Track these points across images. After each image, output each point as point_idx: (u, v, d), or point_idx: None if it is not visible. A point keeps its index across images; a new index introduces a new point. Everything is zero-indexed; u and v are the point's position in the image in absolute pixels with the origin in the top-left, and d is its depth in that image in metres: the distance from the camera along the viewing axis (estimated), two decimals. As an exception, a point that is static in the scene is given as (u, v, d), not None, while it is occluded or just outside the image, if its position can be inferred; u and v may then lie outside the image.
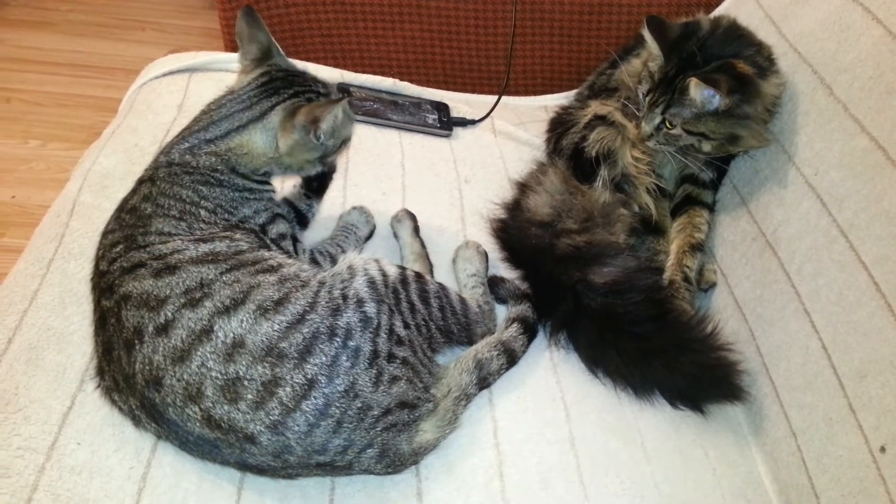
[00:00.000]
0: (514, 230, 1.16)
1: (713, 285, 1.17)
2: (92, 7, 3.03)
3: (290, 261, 0.90)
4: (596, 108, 1.27)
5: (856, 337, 0.88)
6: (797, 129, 1.07)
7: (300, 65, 1.39)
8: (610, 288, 1.04)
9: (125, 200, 0.93)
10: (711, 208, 1.22)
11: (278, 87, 0.98)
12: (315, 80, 1.02)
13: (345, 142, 1.04)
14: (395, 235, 1.17)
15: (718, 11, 1.45)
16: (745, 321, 1.07)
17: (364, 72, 1.52)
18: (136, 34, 2.93)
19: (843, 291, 0.91)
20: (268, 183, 0.99)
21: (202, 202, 0.90)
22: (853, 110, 0.98)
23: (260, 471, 0.80)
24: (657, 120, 1.13)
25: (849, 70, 1.01)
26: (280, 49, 1.04)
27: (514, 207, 1.20)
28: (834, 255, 0.93)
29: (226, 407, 0.75)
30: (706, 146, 1.12)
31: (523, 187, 1.24)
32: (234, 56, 1.42)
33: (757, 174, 1.13)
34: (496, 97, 1.51)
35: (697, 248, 1.17)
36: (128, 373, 0.78)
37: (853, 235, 0.92)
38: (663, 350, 1.01)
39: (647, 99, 1.14)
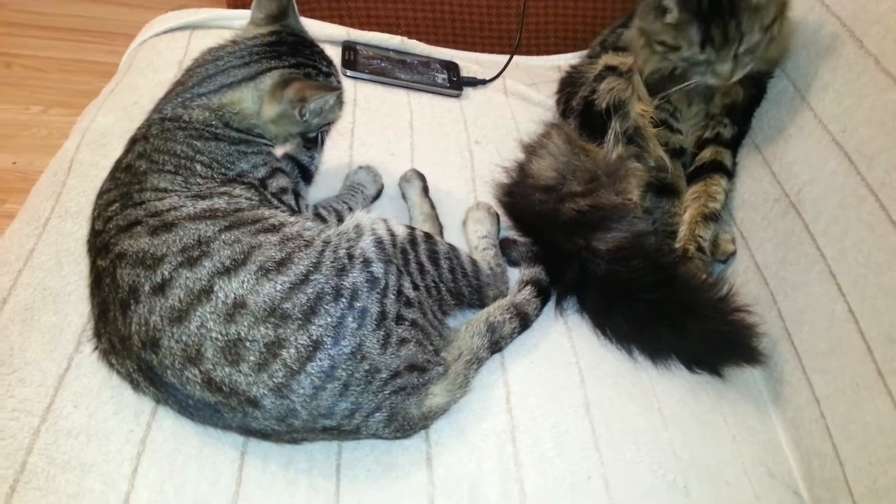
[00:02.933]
0: (518, 196, 1.12)
1: (732, 254, 1.13)
2: (95, -29, 2.97)
3: (292, 219, 0.86)
4: (607, 59, 1.22)
5: (885, 300, 0.84)
6: (824, 85, 1.02)
7: (305, 23, 1.35)
8: (614, 254, 1.00)
9: (119, 160, 0.89)
10: (731, 174, 1.16)
11: (283, 51, 0.93)
12: (322, 56, 0.98)
13: (330, 123, 1.01)
14: (404, 196, 1.13)
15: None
16: (766, 285, 1.03)
17: (371, 30, 1.47)
18: (140, -1, 2.87)
19: (871, 252, 0.87)
20: (265, 137, 0.95)
21: (197, 156, 0.87)
22: (885, 63, 0.93)
23: (264, 435, 0.77)
24: (734, 50, 1.04)
25: (881, 21, 0.96)
26: (297, 12, 0.99)
27: (519, 171, 1.16)
28: (863, 215, 0.89)
29: (227, 369, 0.72)
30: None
31: (528, 150, 1.19)
32: (237, 13, 1.38)
33: (781, 133, 1.08)
34: (508, 56, 1.46)
35: (711, 217, 1.12)
36: (124, 334, 0.75)
37: (883, 194, 0.87)
38: (671, 316, 0.97)
39: (709, 45, 1.04)
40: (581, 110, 1.21)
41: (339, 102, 1.00)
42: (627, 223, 1.04)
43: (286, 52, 0.94)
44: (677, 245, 1.11)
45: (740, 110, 1.17)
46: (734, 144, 1.18)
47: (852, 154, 0.94)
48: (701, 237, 1.10)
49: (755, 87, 1.16)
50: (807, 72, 1.07)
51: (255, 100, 0.92)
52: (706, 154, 1.17)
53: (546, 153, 1.15)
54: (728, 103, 1.17)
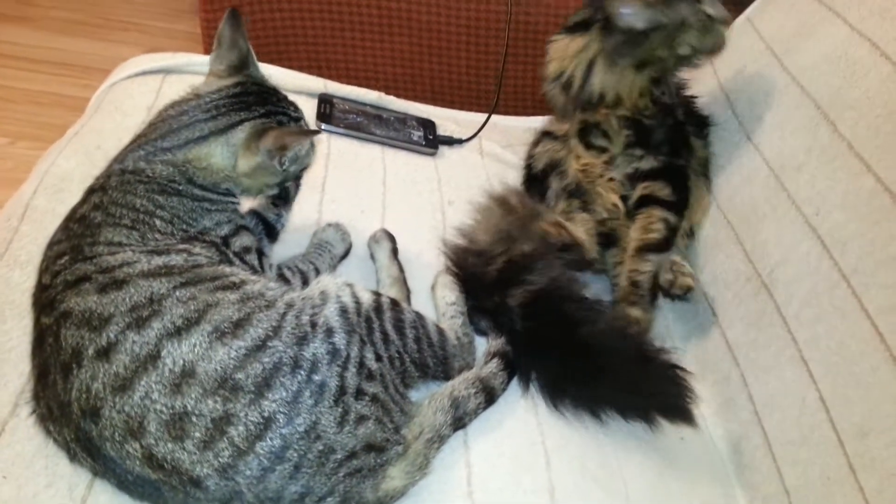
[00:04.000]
0: (458, 261, 1.09)
1: (689, 290, 1.10)
2: (76, 5, 2.96)
3: (254, 277, 0.83)
4: (545, 125, 1.28)
5: (857, 391, 0.82)
6: (799, 165, 1.02)
7: (283, 73, 1.34)
8: (524, 309, 0.98)
9: (74, 210, 0.85)
10: (673, 204, 1.14)
11: (250, 102, 0.91)
12: (288, 102, 0.96)
13: (305, 168, 0.99)
14: (372, 257, 1.10)
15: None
16: (737, 365, 1.02)
17: (349, 83, 1.46)
18: (118, 35, 2.86)
19: (844, 341, 0.86)
20: (231, 194, 0.93)
21: (158, 211, 0.83)
22: (858, 149, 0.93)
23: (206, 517, 0.72)
24: None
25: (855, 107, 0.97)
26: (256, 62, 0.98)
27: (463, 236, 1.13)
28: (835, 301, 0.88)
29: (170, 445, 0.67)
30: None
31: (473, 214, 1.18)
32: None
33: (754, 211, 1.08)
34: (485, 115, 1.45)
35: (648, 249, 1.10)
36: (63, 400, 0.70)
37: (856, 281, 0.87)
38: (581, 369, 0.96)
39: None
40: (524, 174, 1.29)
41: (313, 146, 0.98)
42: (539, 272, 1.01)
43: (253, 101, 0.92)
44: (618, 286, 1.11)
45: (656, 141, 1.17)
46: (669, 175, 1.16)
47: (825, 238, 0.93)
48: (636, 271, 1.09)
49: (668, 115, 1.18)
50: (781, 151, 1.07)
51: (226, 154, 0.89)
52: (637, 191, 1.16)
53: (483, 217, 1.14)
54: (625, 140, 1.17)
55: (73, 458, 0.73)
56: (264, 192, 0.97)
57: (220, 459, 0.67)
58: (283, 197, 1.05)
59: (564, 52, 1.19)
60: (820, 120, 1.01)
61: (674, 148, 1.17)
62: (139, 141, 0.89)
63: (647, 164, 1.16)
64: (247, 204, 0.99)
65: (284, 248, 1.05)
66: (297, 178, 1.01)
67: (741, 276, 1.06)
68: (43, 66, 2.61)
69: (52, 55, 2.67)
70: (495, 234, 1.09)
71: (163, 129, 0.89)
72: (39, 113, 2.40)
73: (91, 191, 0.86)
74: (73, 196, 0.97)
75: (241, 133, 0.89)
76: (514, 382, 0.96)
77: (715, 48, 1.14)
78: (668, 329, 1.16)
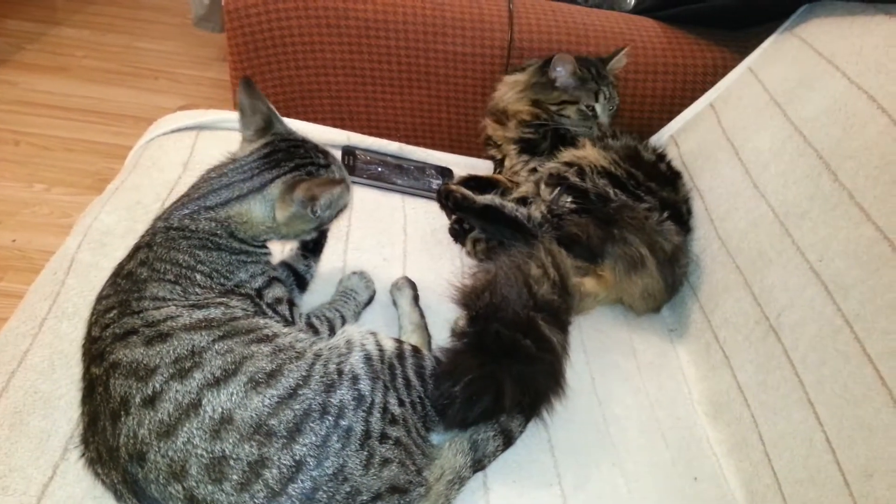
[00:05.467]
0: (466, 302, 1.08)
1: None
2: (107, 54, 3.08)
3: (285, 329, 0.89)
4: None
5: (861, 433, 0.85)
6: (802, 213, 1.06)
7: (308, 127, 1.41)
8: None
9: (121, 266, 0.92)
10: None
11: (280, 159, 0.98)
12: (316, 150, 1.03)
13: (341, 211, 1.04)
14: (395, 303, 1.15)
15: (717, 92, 1.47)
16: (747, 406, 1.05)
17: (370, 133, 1.53)
18: (148, 83, 2.97)
19: (847, 384, 0.89)
20: (265, 247, 0.99)
21: (198, 266, 0.90)
22: (859, 198, 0.97)
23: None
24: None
25: (854, 157, 1.01)
26: (279, 117, 1.04)
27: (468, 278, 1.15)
28: (839, 345, 0.92)
29: (210, 487, 0.72)
30: None
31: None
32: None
33: (761, 256, 1.12)
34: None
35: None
36: (112, 445, 0.76)
37: (858, 326, 0.90)
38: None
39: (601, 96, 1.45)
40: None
41: (346, 187, 1.02)
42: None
43: (282, 158, 0.98)
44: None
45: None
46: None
47: (828, 283, 0.97)
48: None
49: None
50: (785, 199, 1.11)
51: (265, 209, 0.96)
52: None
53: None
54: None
55: (119, 498, 0.78)
56: (301, 237, 1.04)
57: (256, 500, 0.72)
58: (319, 242, 1.12)
59: (509, 80, 1.50)
60: (822, 169, 1.06)
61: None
62: (183, 200, 0.96)
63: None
64: (278, 253, 1.05)
65: (311, 296, 1.11)
66: (334, 220, 1.05)
67: (750, 320, 1.10)
68: (76, 113, 2.72)
69: (85, 103, 2.78)
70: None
71: (205, 189, 0.96)
72: (73, 160, 2.49)
73: (137, 248, 0.93)
74: (116, 250, 1.04)
75: (274, 189, 0.95)
76: (531, 425, 1.00)
77: (584, 133, 1.44)
78: (680, 370, 1.19)
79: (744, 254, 1.17)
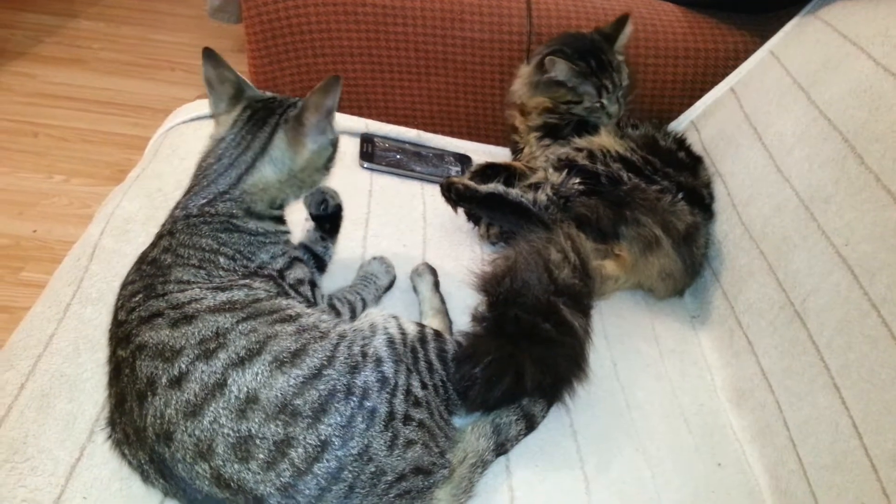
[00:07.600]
0: (487, 289, 1.07)
1: None
2: (123, 46, 3.10)
3: (309, 310, 0.89)
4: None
5: (889, 417, 0.84)
6: (827, 197, 1.05)
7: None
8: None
9: (145, 254, 0.92)
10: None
11: (264, 115, 0.98)
12: (287, 98, 1.02)
13: (334, 143, 1.03)
14: (415, 289, 1.15)
15: (738, 76, 1.45)
16: (771, 392, 1.04)
17: (389, 120, 1.53)
18: (165, 74, 2.99)
19: (874, 368, 0.88)
20: (282, 223, 0.99)
21: (222, 248, 0.90)
22: (885, 181, 0.96)
23: (268, 533, 0.77)
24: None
25: (881, 140, 0.99)
26: (247, 82, 1.04)
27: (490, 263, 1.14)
28: (866, 329, 0.91)
29: (236, 466, 0.73)
30: None
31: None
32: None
33: (785, 241, 1.11)
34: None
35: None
36: (139, 425, 0.76)
37: (886, 310, 0.89)
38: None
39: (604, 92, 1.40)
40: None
41: (337, 79, 0.96)
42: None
43: (265, 114, 0.98)
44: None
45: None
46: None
47: (855, 267, 0.96)
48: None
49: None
50: (810, 183, 1.10)
51: (277, 167, 0.96)
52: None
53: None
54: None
55: (146, 479, 0.79)
56: (320, 182, 1.03)
57: (282, 479, 0.73)
58: (335, 222, 1.14)
59: (523, 72, 1.48)
60: (847, 152, 1.04)
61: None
62: (195, 189, 0.96)
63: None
64: (297, 235, 1.05)
65: (332, 281, 1.11)
66: (335, 147, 1.03)
67: (775, 305, 1.09)
68: (94, 105, 2.74)
69: (102, 95, 2.80)
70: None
71: (212, 175, 0.96)
72: (91, 151, 2.52)
73: (160, 236, 0.94)
74: (138, 236, 1.05)
75: (279, 141, 0.96)
76: (554, 409, 0.99)
77: (598, 122, 1.42)
78: (703, 357, 1.19)
79: (768, 239, 1.16)
